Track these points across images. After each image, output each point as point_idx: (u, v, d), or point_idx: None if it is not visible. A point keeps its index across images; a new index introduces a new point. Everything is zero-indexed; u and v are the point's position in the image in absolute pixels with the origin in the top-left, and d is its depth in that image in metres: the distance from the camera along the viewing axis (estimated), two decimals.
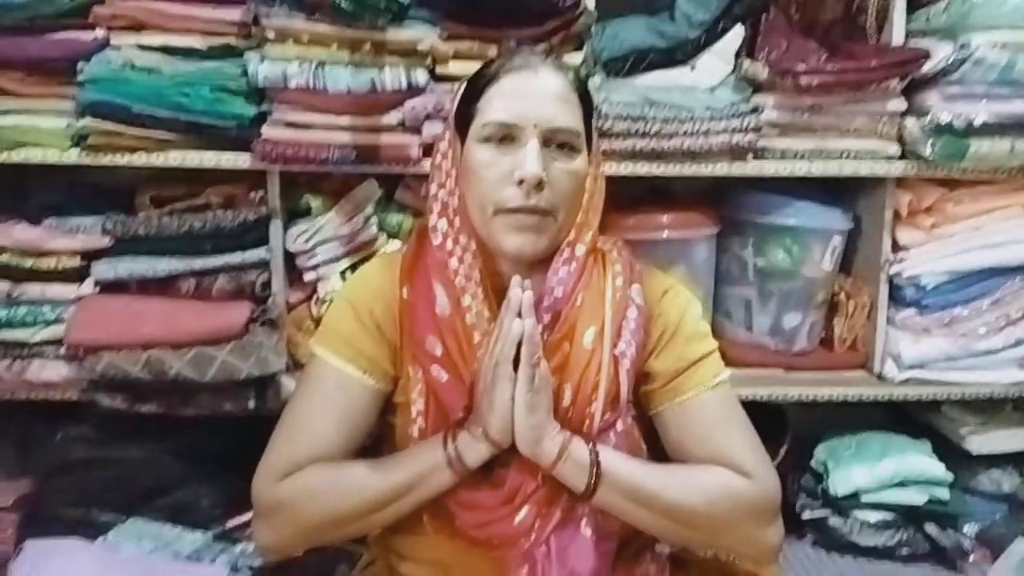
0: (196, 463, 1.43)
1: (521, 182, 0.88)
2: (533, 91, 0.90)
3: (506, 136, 0.90)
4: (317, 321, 1.51)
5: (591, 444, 0.88)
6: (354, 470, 0.90)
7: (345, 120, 1.39)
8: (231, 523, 1.39)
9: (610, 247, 0.98)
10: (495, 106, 0.91)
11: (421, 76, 1.39)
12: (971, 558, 1.47)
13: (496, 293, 0.92)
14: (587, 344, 0.89)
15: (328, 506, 0.89)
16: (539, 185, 0.88)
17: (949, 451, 1.57)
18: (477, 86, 0.93)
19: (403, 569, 0.98)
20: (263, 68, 1.36)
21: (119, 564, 1.25)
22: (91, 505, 1.39)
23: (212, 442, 1.46)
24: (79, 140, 1.40)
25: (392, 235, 1.53)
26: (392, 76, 1.37)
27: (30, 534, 1.31)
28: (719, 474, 0.90)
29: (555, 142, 0.90)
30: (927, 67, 1.44)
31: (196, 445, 1.44)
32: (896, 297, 1.58)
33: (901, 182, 1.54)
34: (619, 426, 0.92)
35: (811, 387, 1.54)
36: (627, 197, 1.48)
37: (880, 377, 1.58)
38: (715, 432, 0.93)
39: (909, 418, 1.68)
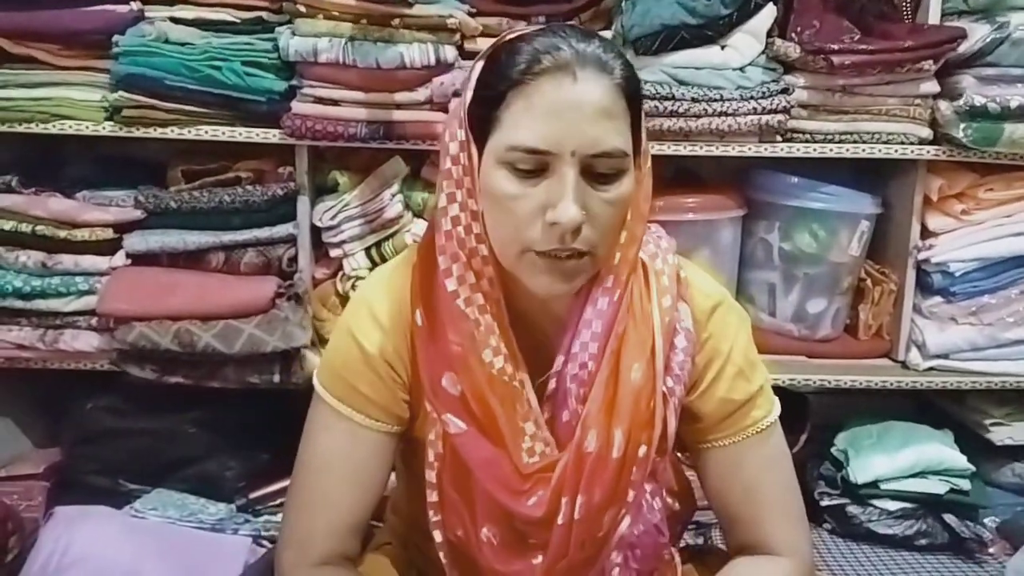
0: (222, 435, 1.46)
1: (555, 224, 0.72)
2: (571, 106, 0.71)
3: (536, 164, 0.73)
4: (342, 297, 1.53)
5: None
6: None
7: (373, 96, 1.40)
8: (254, 494, 1.42)
9: (653, 250, 0.84)
10: (523, 125, 0.72)
11: (449, 52, 1.39)
12: (990, 549, 1.46)
13: (518, 322, 0.80)
14: (636, 380, 0.78)
15: None
16: (576, 229, 0.73)
17: (972, 442, 1.56)
18: (497, 87, 0.74)
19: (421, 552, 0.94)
20: (294, 42, 1.37)
21: (145, 532, 1.28)
22: (118, 474, 1.42)
23: (238, 414, 1.48)
24: (113, 113, 1.42)
25: (417, 213, 1.54)
26: (420, 52, 1.37)
27: (59, 501, 1.34)
28: None
29: (596, 169, 0.73)
30: (962, 48, 1.42)
31: (222, 417, 1.47)
32: (923, 284, 1.56)
33: (932, 166, 1.52)
34: (661, 467, 0.84)
35: (834, 374, 1.53)
36: (653, 178, 1.47)
37: (904, 365, 1.57)
38: (760, 489, 0.84)
39: (932, 408, 1.67)
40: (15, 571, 1.18)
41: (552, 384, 0.81)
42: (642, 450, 0.80)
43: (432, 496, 0.82)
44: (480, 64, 0.77)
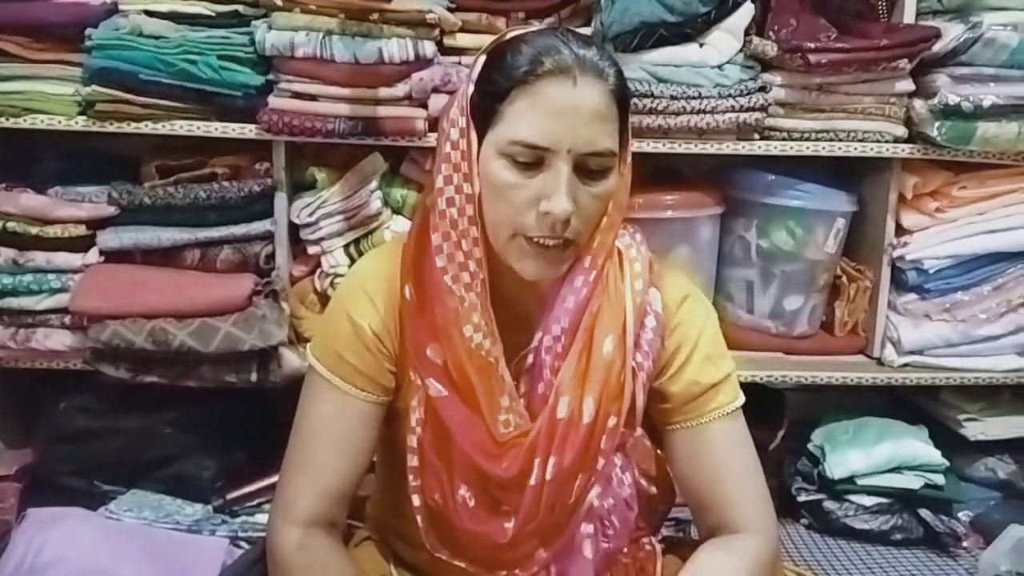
0: (198, 435, 1.44)
1: (547, 213, 0.79)
2: (571, 109, 0.78)
3: (534, 158, 0.80)
4: (320, 295, 1.52)
5: None
6: None
7: (351, 91, 1.39)
8: (231, 495, 1.40)
9: (628, 241, 0.90)
10: (525, 121, 0.79)
11: (428, 48, 1.38)
12: (964, 543, 1.49)
13: (501, 301, 0.86)
14: (607, 353, 0.84)
15: None
16: (567, 220, 0.80)
17: (946, 437, 1.58)
18: (501, 83, 0.80)
19: (399, 551, 0.98)
20: (270, 36, 1.35)
21: (120, 533, 1.26)
22: (93, 475, 1.40)
23: (214, 414, 1.46)
24: (86, 107, 1.39)
25: (396, 210, 1.53)
26: (399, 47, 1.36)
27: (32, 503, 1.31)
28: (736, 568, 0.86)
29: (588, 166, 0.81)
30: (937, 47, 1.44)
31: (198, 417, 1.45)
32: (898, 281, 1.58)
33: (907, 164, 1.54)
34: (630, 441, 0.89)
35: (810, 371, 1.54)
36: (632, 176, 1.48)
37: (879, 362, 1.59)
38: (725, 471, 0.89)
39: (907, 404, 1.69)
40: None
41: (529, 359, 0.87)
42: (611, 421, 0.85)
43: (413, 461, 0.87)
44: (483, 59, 0.84)
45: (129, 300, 1.36)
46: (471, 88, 0.83)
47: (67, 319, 1.39)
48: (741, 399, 0.92)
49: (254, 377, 1.39)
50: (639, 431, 0.91)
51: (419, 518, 0.88)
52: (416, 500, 0.87)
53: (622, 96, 0.83)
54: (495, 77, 0.81)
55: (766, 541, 0.89)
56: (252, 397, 1.49)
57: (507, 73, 0.80)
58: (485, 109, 0.81)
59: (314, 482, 0.87)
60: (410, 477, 0.87)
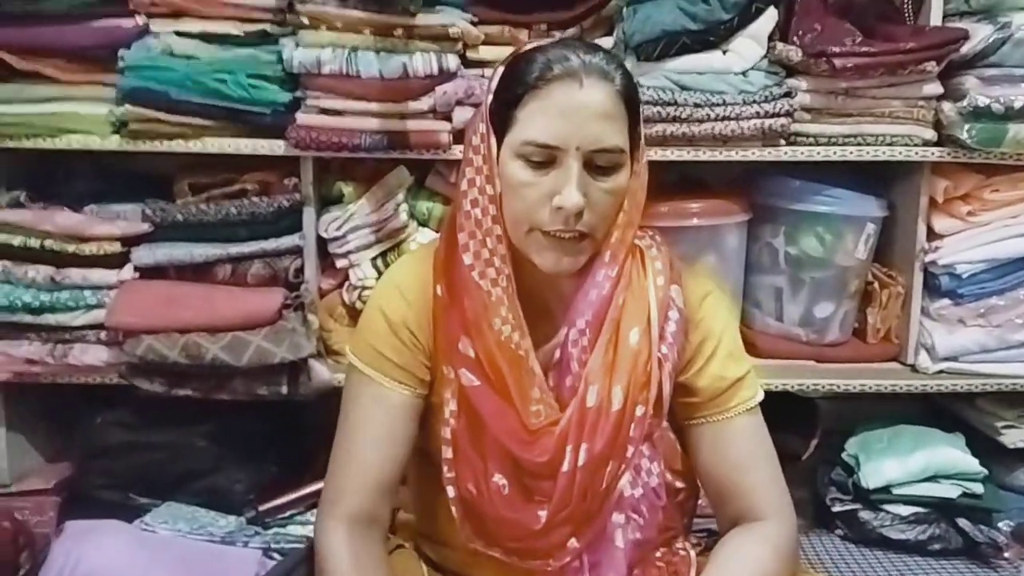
0: (231, 448, 1.46)
1: (560, 208, 0.83)
2: (577, 109, 0.83)
3: (545, 156, 0.84)
4: (349, 308, 1.53)
5: None
6: None
7: (376, 106, 1.40)
8: (264, 507, 1.42)
9: (648, 243, 0.93)
10: (535, 123, 0.84)
11: (452, 61, 1.39)
12: (1006, 554, 1.45)
13: (527, 297, 0.89)
14: (634, 343, 0.87)
15: None
16: (579, 213, 0.84)
17: (984, 445, 1.55)
18: (515, 90, 0.85)
19: (432, 555, 0.99)
20: (297, 54, 1.38)
21: (155, 545, 1.27)
22: (129, 488, 1.42)
23: (246, 427, 1.48)
24: (119, 127, 1.43)
25: (422, 223, 1.54)
26: (423, 61, 1.38)
27: (70, 516, 1.33)
28: (764, 556, 0.89)
29: (597, 162, 0.84)
30: (965, 48, 1.42)
31: (231, 430, 1.47)
32: (931, 286, 1.56)
33: (937, 168, 1.51)
34: (657, 432, 0.91)
35: (843, 378, 1.52)
36: (657, 184, 1.45)
37: (914, 369, 1.56)
38: (747, 462, 0.93)
39: (943, 411, 1.66)
40: None
41: (556, 353, 0.90)
42: (639, 409, 0.88)
43: (447, 452, 0.89)
44: (501, 70, 0.90)
45: (163, 315, 1.38)
46: (490, 97, 0.89)
47: (103, 335, 1.42)
48: (761, 394, 0.96)
49: (284, 389, 1.41)
50: (664, 424, 0.93)
51: (454, 509, 0.90)
52: (451, 491, 0.90)
53: (630, 96, 0.87)
54: (510, 86, 0.87)
55: (786, 525, 0.92)
56: (283, 410, 1.51)
57: (521, 81, 0.85)
58: (502, 116, 0.86)
59: (357, 477, 0.90)
60: (444, 469, 0.90)
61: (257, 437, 1.48)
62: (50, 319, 1.41)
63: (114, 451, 1.42)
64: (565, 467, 0.86)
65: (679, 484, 0.99)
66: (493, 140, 0.87)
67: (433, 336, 0.92)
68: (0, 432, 1.48)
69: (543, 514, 0.87)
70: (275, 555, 1.29)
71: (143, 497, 1.40)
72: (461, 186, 0.89)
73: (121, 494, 1.40)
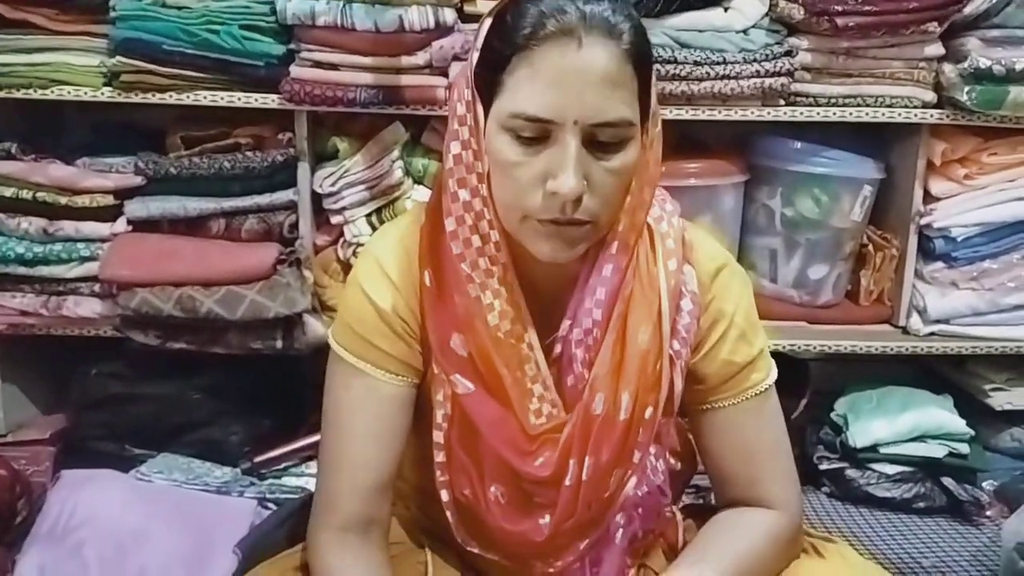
0: (226, 401, 1.47)
1: (555, 193, 0.72)
2: (575, 75, 0.70)
3: (538, 131, 0.72)
4: (343, 264, 1.53)
5: None
6: None
7: (372, 60, 1.39)
8: (259, 459, 1.43)
9: (659, 214, 0.83)
10: (524, 92, 0.71)
11: (448, 15, 1.37)
12: (988, 512, 1.47)
13: (525, 285, 0.80)
14: (643, 342, 0.79)
15: None
16: (577, 199, 0.72)
17: (972, 407, 1.57)
18: (502, 51, 0.73)
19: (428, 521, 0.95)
20: (291, 5, 1.35)
21: (151, 494, 1.29)
22: (124, 439, 1.44)
23: (241, 381, 1.49)
24: (111, 78, 1.41)
25: (417, 180, 1.53)
26: (420, 15, 1.35)
27: (66, 466, 1.35)
28: (759, 542, 0.84)
29: (599, 138, 0.72)
30: (968, 9, 1.41)
31: (226, 383, 1.48)
32: (925, 249, 1.56)
33: (936, 130, 1.50)
34: (664, 429, 0.86)
35: (835, 340, 1.53)
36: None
37: (905, 331, 1.57)
38: (753, 449, 0.86)
39: (933, 373, 1.68)
40: (24, 533, 1.19)
41: (557, 348, 0.82)
42: (648, 412, 0.81)
43: (440, 456, 0.83)
44: (487, 23, 0.76)
45: (157, 268, 1.38)
46: (476, 56, 0.76)
47: (97, 287, 1.42)
48: (774, 374, 0.88)
49: (279, 344, 1.41)
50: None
51: (448, 514, 0.84)
52: (445, 495, 0.83)
53: (640, 57, 0.73)
54: (496, 44, 0.73)
55: (787, 517, 0.86)
56: (278, 364, 1.51)
57: (508, 39, 0.72)
58: (488, 79, 0.74)
59: (350, 480, 0.82)
60: (437, 473, 0.83)
61: (252, 391, 1.49)
62: (43, 271, 1.41)
63: (109, 403, 1.43)
64: (569, 479, 0.79)
65: (678, 465, 0.97)
66: (480, 109, 0.75)
67: (423, 324, 0.82)
68: None
69: (545, 524, 0.81)
70: (271, 505, 1.31)
71: (138, 448, 1.42)
72: (446, 163, 0.77)
73: (116, 445, 1.42)
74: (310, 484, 1.37)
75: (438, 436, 0.82)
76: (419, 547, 0.92)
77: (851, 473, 1.51)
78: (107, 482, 1.28)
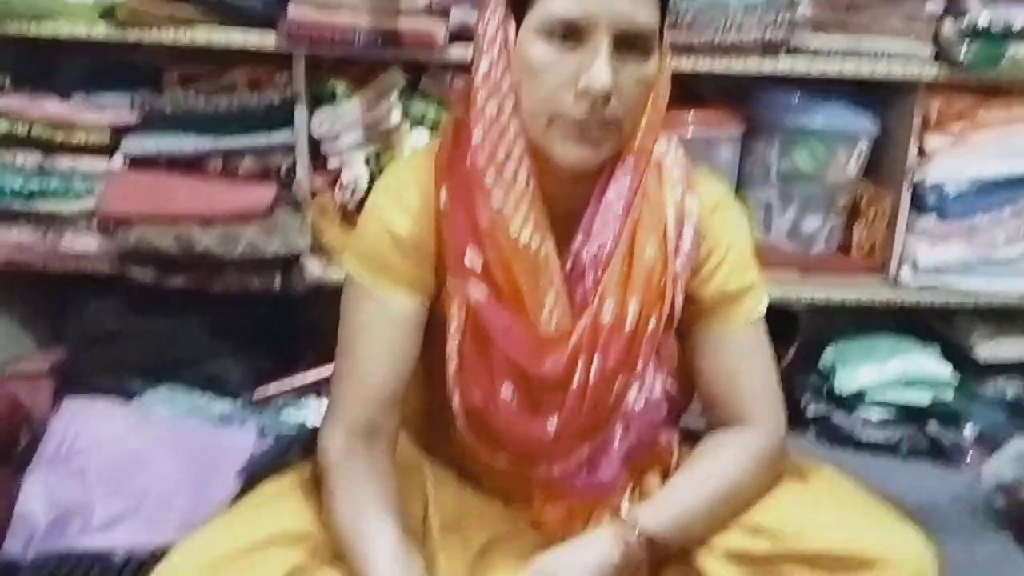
0: (224, 339, 1.48)
1: (586, 90, 0.76)
2: None
3: (570, 33, 0.77)
4: (341, 207, 1.53)
5: (635, 535, 0.83)
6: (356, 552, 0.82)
7: (370, 1, 1.37)
8: (258, 395, 1.45)
9: (664, 148, 0.88)
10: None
11: None
12: (969, 457, 1.51)
13: (546, 199, 0.84)
14: (649, 257, 0.85)
15: (329, 514, 0.85)
16: (606, 98, 0.77)
17: (958, 359, 1.60)
18: None
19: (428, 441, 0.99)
20: None
21: (153, 424, 1.30)
22: (122, 374, 1.44)
23: (239, 320, 1.50)
24: (106, 14, 1.39)
25: (416, 123, 1.53)
26: None
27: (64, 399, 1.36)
28: (741, 459, 0.89)
29: (627, 43, 0.77)
30: None
31: (224, 322, 1.49)
32: (918, 204, 1.58)
33: (932, 87, 1.51)
34: (663, 345, 0.91)
35: (826, 291, 1.55)
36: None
37: (895, 283, 1.59)
38: (741, 371, 0.91)
39: (921, 325, 1.70)
40: (26, 461, 1.21)
41: (570, 260, 0.86)
42: (652, 323, 0.86)
43: (452, 366, 0.87)
44: None
45: (154, 205, 1.38)
46: None
47: (94, 223, 1.42)
48: (765, 305, 0.93)
49: (277, 284, 1.42)
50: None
51: (458, 420, 0.88)
52: (456, 403, 0.88)
53: None
54: None
55: (770, 435, 0.91)
56: (276, 304, 1.53)
57: None
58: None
59: (359, 389, 0.87)
60: (449, 383, 0.87)
61: (250, 329, 1.50)
62: (40, 206, 1.41)
63: (107, 338, 1.44)
64: (575, 382, 0.85)
65: (675, 389, 1.00)
66: (511, 25, 0.80)
67: (437, 246, 0.86)
68: None
69: (551, 426, 0.86)
70: (270, 436, 1.33)
71: (137, 382, 1.43)
72: (475, 82, 0.82)
73: (115, 379, 1.42)
74: (310, 419, 1.39)
75: (451, 346, 0.86)
76: (419, 467, 0.95)
77: (838, 418, 1.54)
78: (109, 410, 1.29)
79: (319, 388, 1.47)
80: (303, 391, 1.46)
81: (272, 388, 1.46)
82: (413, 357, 0.88)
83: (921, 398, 1.53)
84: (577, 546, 0.83)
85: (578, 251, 0.86)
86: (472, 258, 0.84)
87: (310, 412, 1.43)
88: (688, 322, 0.92)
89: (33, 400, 1.33)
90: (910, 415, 1.54)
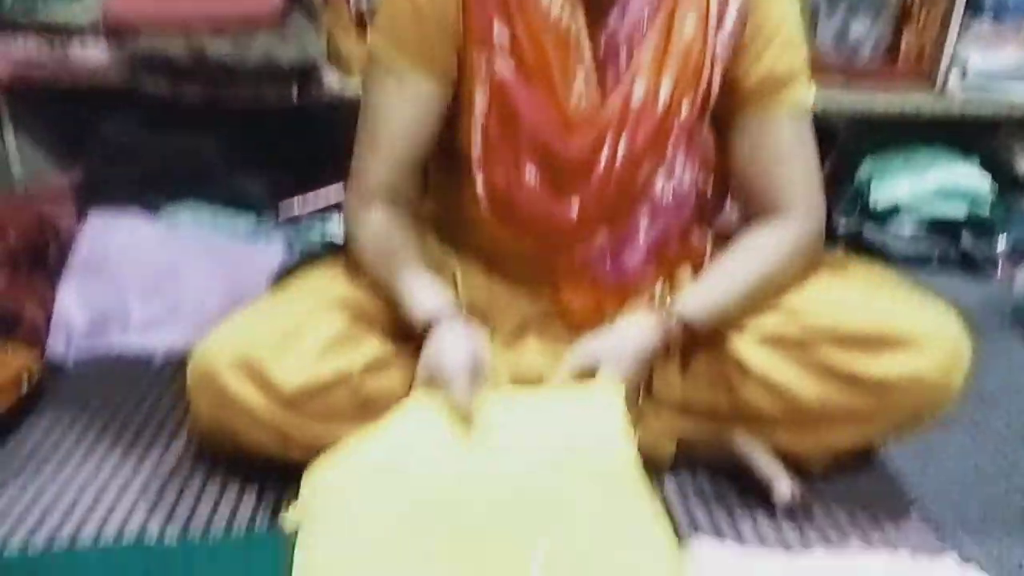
0: (243, 154, 1.45)
1: None
2: None
3: None
4: (356, 15, 1.45)
5: (670, 318, 0.82)
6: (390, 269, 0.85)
7: None
8: (282, 212, 1.44)
9: None
10: None
11: None
12: (1001, 269, 1.49)
13: None
14: (688, 34, 0.80)
15: (361, 267, 0.88)
16: None
17: (998, 172, 1.54)
18: None
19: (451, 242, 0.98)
20: None
21: (181, 237, 1.30)
22: (143, 191, 1.42)
23: (259, 135, 1.46)
24: None
25: None
26: None
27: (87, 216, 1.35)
28: (780, 246, 0.86)
29: None
30: None
31: (241, 137, 1.45)
32: (973, 5, 1.47)
33: None
34: (697, 132, 0.86)
35: (869, 100, 1.48)
36: None
37: (942, 92, 1.52)
38: (782, 159, 0.86)
39: (964, 139, 1.63)
40: (57, 272, 1.22)
41: (603, 41, 0.82)
42: (685, 106, 0.83)
43: (477, 148, 0.85)
44: None
45: (163, 11, 1.31)
46: None
47: (102, 32, 1.35)
48: (812, 96, 0.87)
49: (294, 95, 1.37)
50: (705, 120, 0.87)
51: (482, 202, 0.86)
52: (480, 186, 0.86)
53: None
54: None
55: (810, 223, 0.88)
56: (294, 121, 1.48)
57: None
58: None
59: (379, 157, 0.87)
60: (474, 165, 0.85)
61: (270, 145, 1.47)
62: (44, 16, 1.34)
63: (125, 154, 1.41)
64: (602, 162, 0.83)
65: (708, 183, 0.95)
66: None
67: (463, 20, 0.82)
68: (8, 137, 1.46)
69: (574, 208, 0.85)
70: (296, 252, 1.33)
71: (160, 199, 1.41)
72: None
73: (136, 197, 1.40)
74: (335, 235, 1.39)
75: (476, 126, 0.84)
76: (445, 261, 0.94)
77: (869, 232, 1.52)
78: (136, 221, 1.29)
79: (342, 206, 1.45)
80: (327, 209, 1.45)
81: (295, 205, 1.44)
82: (433, 139, 0.87)
83: (957, 211, 1.49)
84: (617, 331, 0.83)
85: (612, 27, 0.81)
86: (499, 32, 0.80)
87: (335, 229, 1.42)
88: (730, 111, 0.87)
89: (57, 216, 1.32)
90: (944, 228, 1.51)
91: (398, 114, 0.85)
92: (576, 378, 0.80)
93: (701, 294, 0.86)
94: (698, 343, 0.86)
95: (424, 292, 0.83)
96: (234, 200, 1.43)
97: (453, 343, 0.78)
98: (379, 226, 0.87)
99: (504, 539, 0.70)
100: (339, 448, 0.76)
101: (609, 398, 0.77)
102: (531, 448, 0.75)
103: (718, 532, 0.83)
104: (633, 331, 0.82)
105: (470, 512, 0.71)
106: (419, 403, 0.78)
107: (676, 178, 0.87)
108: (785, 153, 0.87)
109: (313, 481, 0.75)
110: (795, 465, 0.88)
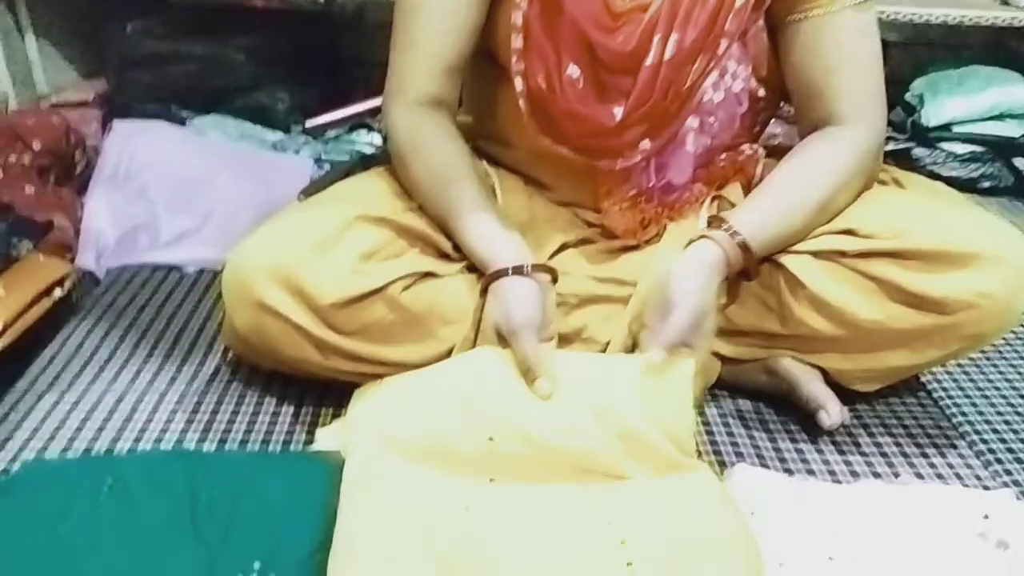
0: (270, 66, 1.41)
1: None
2: None
3: None
4: None
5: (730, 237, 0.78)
6: (444, 180, 0.81)
7: None
8: (310, 124, 1.40)
9: None
10: None
11: None
12: None
13: None
14: None
15: (409, 183, 0.85)
16: None
17: None
18: None
19: (491, 153, 0.94)
20: None
21: (209, 147, 1.27)
22: (169, 101, 1.40)
23: (283, 46, 1.41)
24: None
25: None
26: None
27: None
28: (840, 159, 0.81)
29: None
30: None
31: (268, 47, 1.40)
32: None
33: None
34: (752, 30, 0.81)
35: (923, 7, 1.39)
36: None
37: (1006, 2, 1.42)
38: (843, 61, 0.81)
39: (1022, 59, 1.55)
40: (85, 183, 1.20)
41: None
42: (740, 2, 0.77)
43: (517, 42, 0.80)
44: None
45: None
46: None
47: None
48: None
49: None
50: (760, 22, 0.82)
51: (521, 103, 0.81)
52: (519, 85, 0.81)
53: None
54: None
55: (871, 131, 0.83)
56: (319, 33, 1.43)
57: None
58: None
59: (420, 58, 0.83)
60: (513, 60, 0.80)
61: (295, 58, 1.42)
62: None
63: (148, 63, 1.38)
64: (650, 59, 0.77)
65: (761, 91, 0.89)
66: None
67: None
68: (30, 41, 1.42)
69: (618, 111, 0.79)
70: (326, 165, 1.30)
71: (185, 110, 1.38)
72: None
73: (162, 106, 1.38)
74: (363, 149, 1.35)
75: (516, 18, 0.79)
76: (486, 176, 0.91)
77: (918, 152, 1.46)
78: (162, 131, 1.26)
79: (369, 120, 1.41)
80: (354, 122, 1.41)
81: (322, 118, 1.40)
82: (473, 35, 0.83)
83: (1012, 131, 1.42)
84: (687, 253, 0.79)
85: None
86: None
87: (364, 144, 1.38)
88: (787, 9, 0.81)
89: (83, 126, 1.29)
90: (997, 149, 1.44)
91: (437, 7, 0.81)
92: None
93: (758, 216, 0.81)
94: (751, 264, 0.82)
95: (501, 242, 0.79)
96: (260, 114, 1.39)
97: (526, 299, 0.76)
98: (428, 135, 0.83)
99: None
100: (390, 376, 0.75)
101: (684, 383, 0.74)
102: (590, 426, 0.73)
103: (761, 460, 0.82)
104: (696, 253, 0.78)
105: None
106: (485, 354, 0.77)
107: (727, 82, 0.82)
108: (847, 53, 0.81)
109: (363, 401, 0.74)
110: (839, 392, 0.85)
